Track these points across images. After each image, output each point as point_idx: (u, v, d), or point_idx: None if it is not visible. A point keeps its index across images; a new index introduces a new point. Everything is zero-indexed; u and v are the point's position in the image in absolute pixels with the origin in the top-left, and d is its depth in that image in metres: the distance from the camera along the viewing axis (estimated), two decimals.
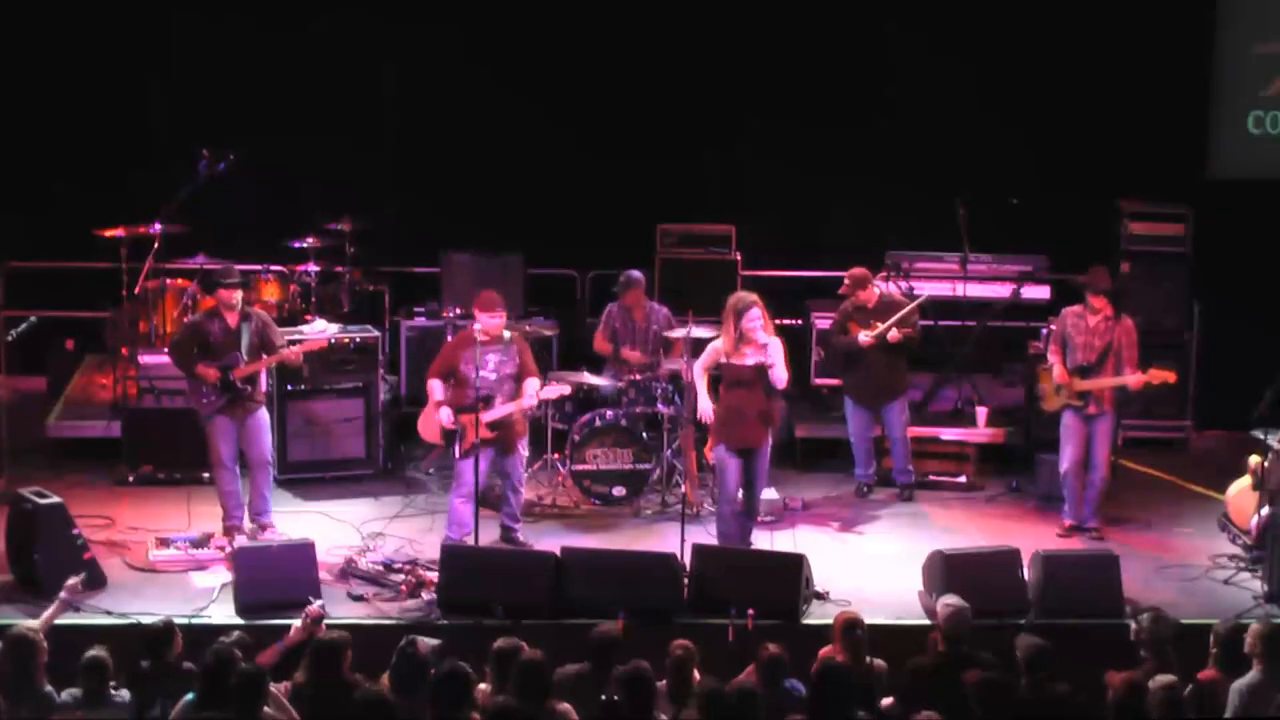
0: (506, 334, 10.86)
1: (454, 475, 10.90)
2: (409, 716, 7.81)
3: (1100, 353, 11.16)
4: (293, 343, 11.32)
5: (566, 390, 11.10)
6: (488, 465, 10.82)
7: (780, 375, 10.50)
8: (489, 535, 10.77)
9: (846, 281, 12.01)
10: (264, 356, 10.97)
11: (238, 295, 10.95)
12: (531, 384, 10.82)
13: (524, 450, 11.03)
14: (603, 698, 7.66)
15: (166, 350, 11.52)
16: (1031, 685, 8.26)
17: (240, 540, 10.58)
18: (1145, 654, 8.70)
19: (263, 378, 11.43)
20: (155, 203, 12.86)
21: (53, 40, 14.06)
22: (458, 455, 10.75)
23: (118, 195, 13.49)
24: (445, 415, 10.72)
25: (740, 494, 10.68)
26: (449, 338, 12.29)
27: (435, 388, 10.90)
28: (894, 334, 11.80)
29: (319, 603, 9.38)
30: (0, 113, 14.03)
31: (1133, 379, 11.12)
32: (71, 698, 8.10)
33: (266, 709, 7.82)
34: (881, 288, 12.31)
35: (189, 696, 7.93)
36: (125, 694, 8.16)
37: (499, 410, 10.70)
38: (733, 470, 10.63)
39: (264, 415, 11.06)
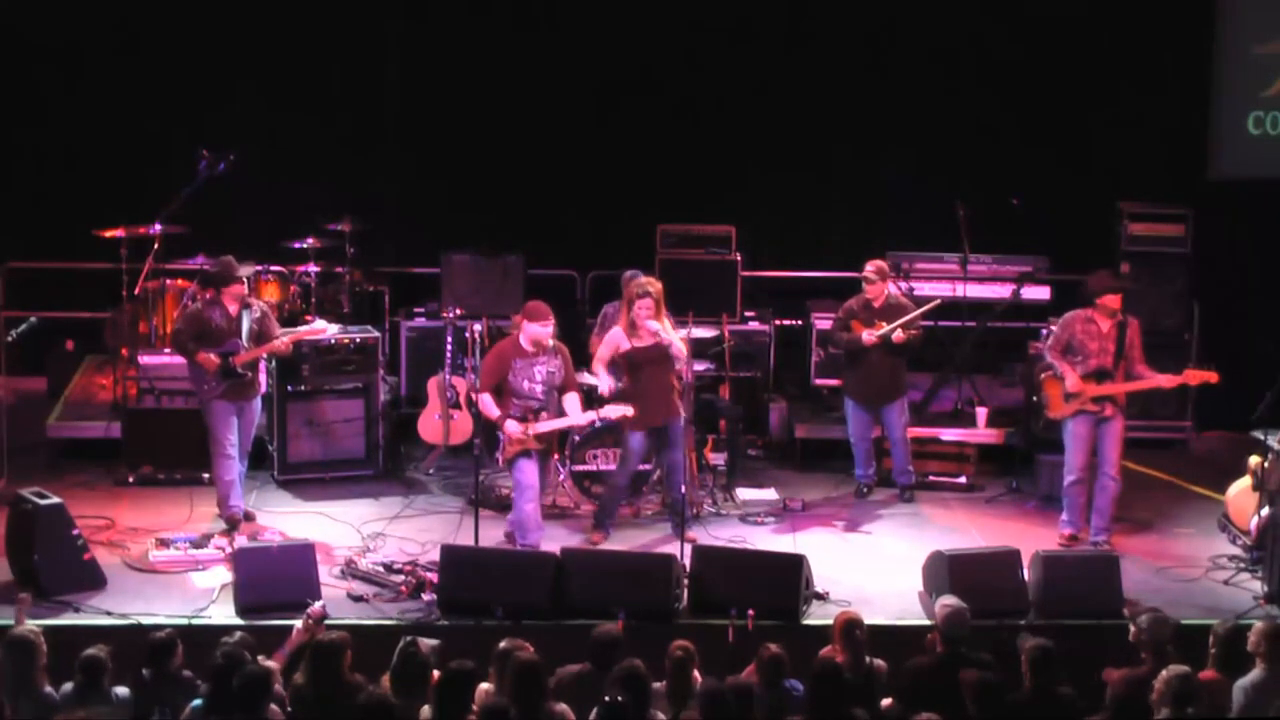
0: (551, 343, 10.77)
1: (515, 485, 10.79)
2: (410, 717, 7.81)
3: (1115, 356, 11.04)
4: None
5: (629, 412, 10.88)
6: (541, 468, 10.85)
7: (678, 351, 10.91)
8: (490, 535, 10.76)
9: (872, 272, 11.94)
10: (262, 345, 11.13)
11: (243, 289, 11.21)
12: (572, 399, 10.80)
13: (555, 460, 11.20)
14: (605, 698, 7.65)
15: (169, 338, 11.64)
16: (1035, 687, 8.26)
17: (240, 540, 10.58)
18: (1145, 655, 8.70)
19: (262, 376, 11.47)
20: (155, 203, 12.87)
21: (52, 39, 14.05)
22: (500, 463, 10.89)
23: (118, 195, 13.49)
24: (514, 429, 10.60)
25: (635, 470, 11.22)
26: (449, 338, 12.28)
27: (487, 403, 10.66)
28: (899, 335, 11.78)
29: (320, 603, 9.38)
30: (0, 112, 14.04)
31: (1166, 380, 11.04)
32: (65, 696, 8.08)
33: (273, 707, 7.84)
34: (886, 288, 12.28)
35: (196, 702, 7.92)
36: (124, 690, 8.15)
37: (549, 424, 10.71)
38: (637, 448, 11.09)
39: (258, 405, 11.29)
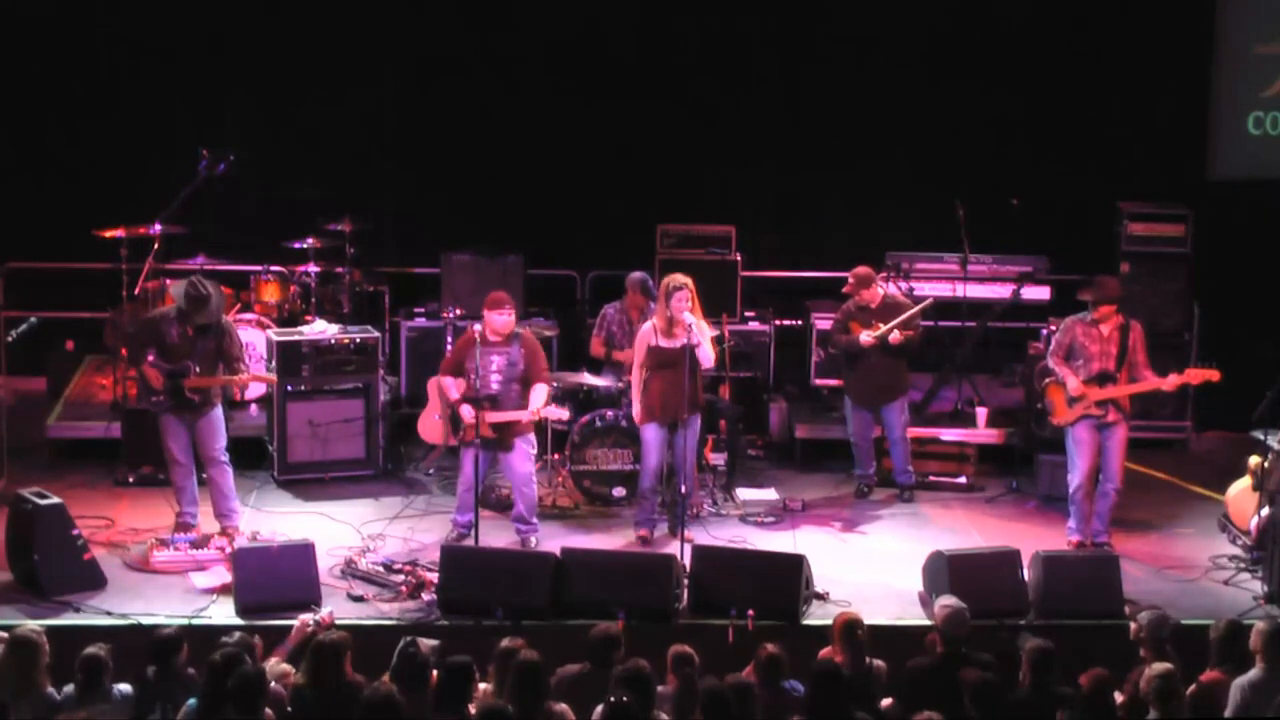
0: (515, 332, 10.88)
1: (457, 468, 11.07)
2: (410, 717, 7.80)
3: (1117, 359, 10.99)
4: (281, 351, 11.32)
5: (565, 415, 11.10)
6: (486, 462, 10.90)
7: (706, 353, 10.89)
8: (489, 535, 10.77)
9: (851, 280, 12.01)
10: (220, 368, 10.86)
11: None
12: (539, 391, 10.87)
13: (528, 447, 11.04)
14: (610, 699, 7.65)
15: (122, 344, 11.53)
16: (1035, 687, 8.26)
17: (240, 540, 10.58)
18: (1144, 653, 8.71)
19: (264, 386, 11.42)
20: (155, 203, 12.87)
21: (53, 38, 14.05)
22: (454, 442, 10.92)
23: (118, 195, 13.48)
24: (468, 412, 10.75)
25: (663, 469, 11.05)
26: (449, 338, 12.29)
27: (450, 385, 10.93)
28: (896, 335, 11.79)
29: (328, 609, 9.39)
30: (1, 112, 14.04)
31: (1168, 381, 11.01)
32: (68, 695, 8.09)
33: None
34: (884, 288, 12.30)
35: (191, 702, 7.92)
36: (125, 688, 8.15)
37: (501, 415, 10.76)
38: (656, 446, 11.01)
39: (216, 415, 10.94)
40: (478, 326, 10.88)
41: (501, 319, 10.81)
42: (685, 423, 10.84)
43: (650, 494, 11.13)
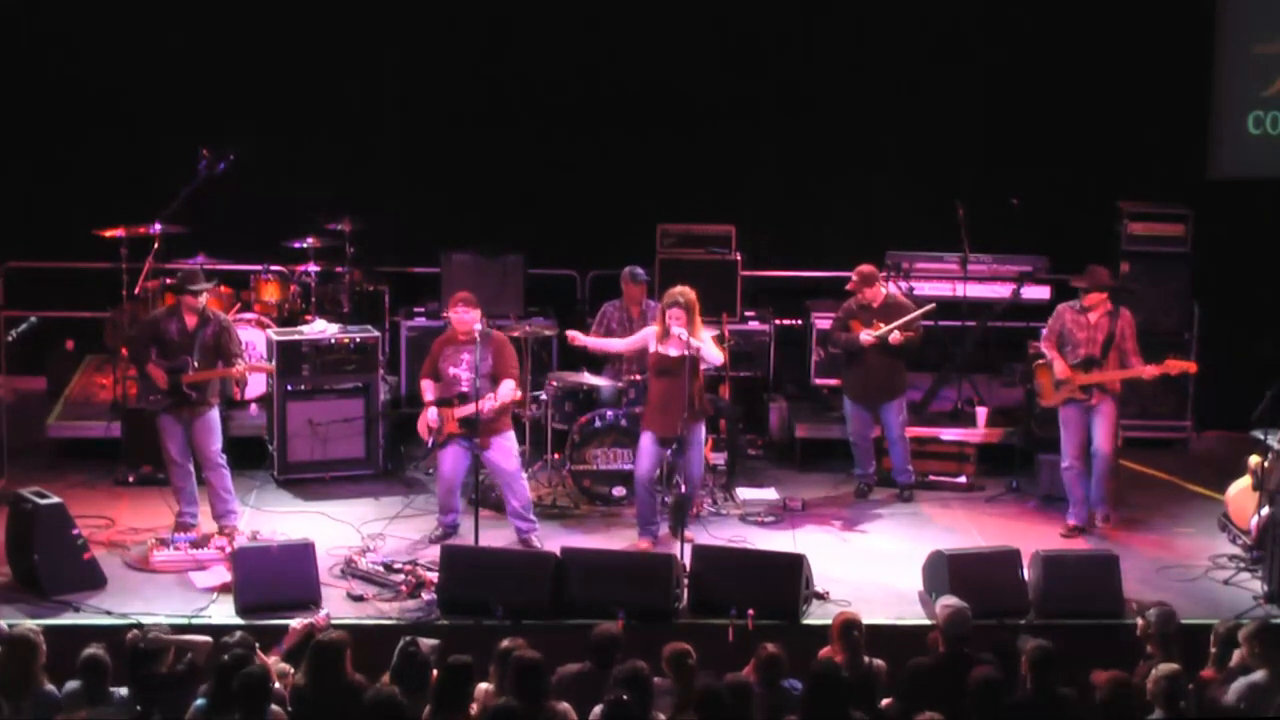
0: (481, 331, 10.92)
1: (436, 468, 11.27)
2: (410, 716, 7.81)
3: (1103, 345, 11.16)
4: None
5: (516, 395, 11.11)
6: (466, 458, 10.95)
7: (711, 355, 10.86)
8: (489, 535, 10.77)
9: (854, 278, 12.00)
10: (219, 363, 10.89)
11: (203, 301, 10.94)
12: (505, 385, 10.90)
13: (508, 444, 11.04)
14: (609, 697, 7.65)
15: (123, 344, 11.54)
16: (1035, 688, 8.25)
17: (240, 540, 10.58)
18: (1151, 649, 8.71)
19: (262, 376, 11.43)
20: (155, 203, 12.86)
21: (54, 39, 14.05)
22: (429, 445, 11.12)
23: (118, 195, 13.48)
24: (432, 415, 10.96)
25: (655, 476, 11.00)
26: None
27: (426, 388, 11.10)
28: (896, 336, 11.79)
29: (324, 612, 9.40)
30: (1, 112, 14.04)
31: (1148, 370, 11.11)
32: (70, 694, 8.08)
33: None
34: (886, 288, 12.30)
35: (199, 702, 7.91)
36: (123, 690, 8.15)
37: (465, 409, 10.85)
38: (650, 454, 10.95)
39: (213, 416, 11.00)
40: (476, 324, 10.93)
41: (459, 316, 10.92)
42: (688, 433, 10.82)
43: (646, 500, 11.09)
